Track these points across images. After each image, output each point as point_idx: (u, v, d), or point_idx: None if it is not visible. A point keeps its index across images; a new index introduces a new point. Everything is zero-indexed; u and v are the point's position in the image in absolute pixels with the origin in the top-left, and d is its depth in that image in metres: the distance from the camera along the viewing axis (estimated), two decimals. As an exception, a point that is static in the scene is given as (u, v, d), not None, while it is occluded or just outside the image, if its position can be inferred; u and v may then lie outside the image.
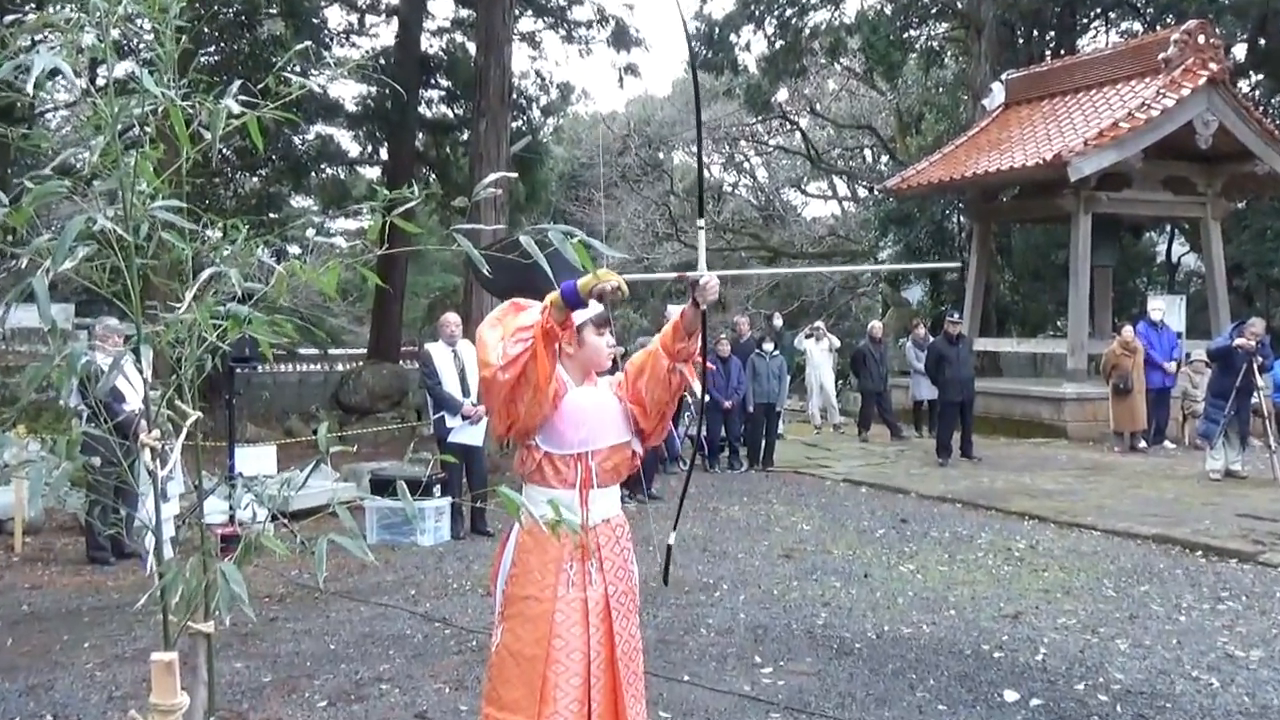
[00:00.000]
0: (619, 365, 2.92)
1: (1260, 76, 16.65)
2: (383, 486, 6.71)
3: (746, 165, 27.29)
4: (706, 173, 27.14)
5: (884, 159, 23.15)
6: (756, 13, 17.98)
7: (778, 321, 13.85)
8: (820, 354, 13.65)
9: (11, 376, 10.13)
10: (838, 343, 14.25)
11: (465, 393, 6.86)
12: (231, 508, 5.58)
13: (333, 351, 18.05)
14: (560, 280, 2.10)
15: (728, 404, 10.23)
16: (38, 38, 1.84)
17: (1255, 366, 8.52)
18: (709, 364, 2.60)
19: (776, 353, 10.81)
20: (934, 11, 18.02)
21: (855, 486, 9.19)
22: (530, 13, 16.34)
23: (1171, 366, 11.34)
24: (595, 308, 2.47)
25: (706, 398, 9.71)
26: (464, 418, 6.79)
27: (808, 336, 13.89)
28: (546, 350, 2.28)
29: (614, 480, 2.57)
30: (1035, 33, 18.54)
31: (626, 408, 2.54)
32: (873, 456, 11.25)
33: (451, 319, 7.13)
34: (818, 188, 27.04)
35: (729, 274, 3.27)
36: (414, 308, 23.20)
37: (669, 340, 2.50)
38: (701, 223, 2.71)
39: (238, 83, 1.81)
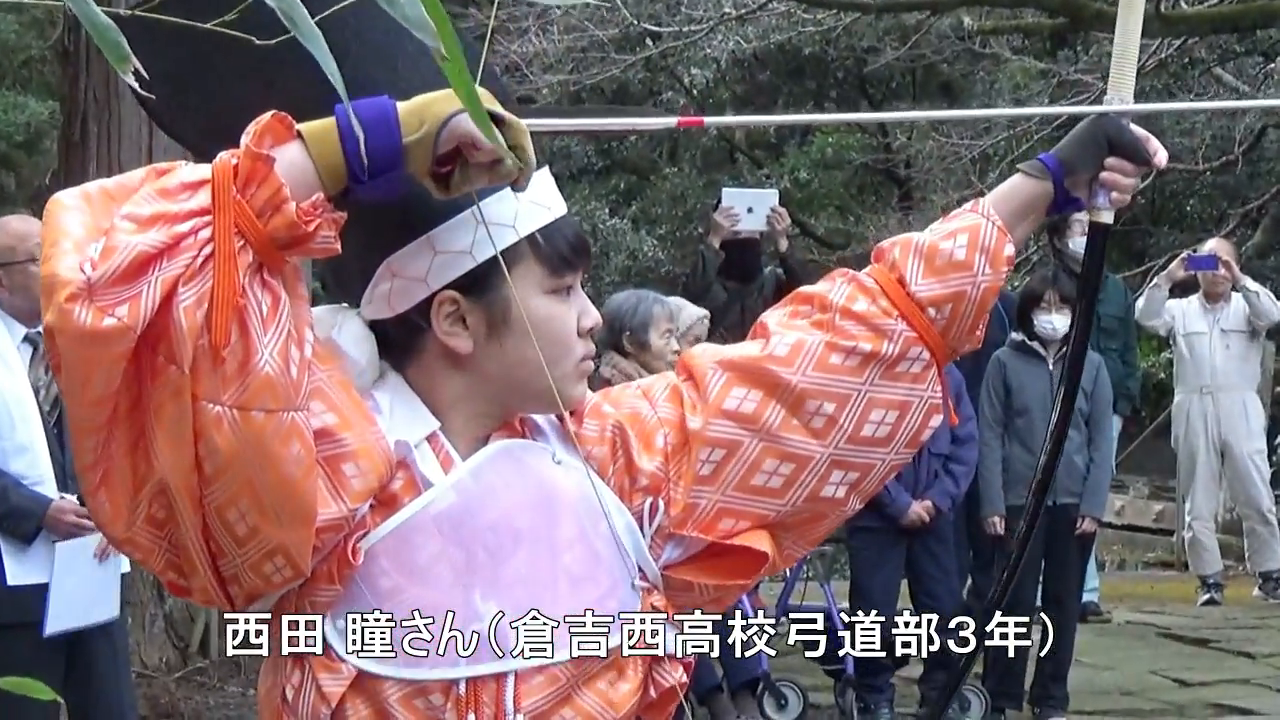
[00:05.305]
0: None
1: None
2: None
3: None
4: None
5: None
6: None
7: (1078, 241, 11.88)
8: (1220, 345, 12.61)
9: None
10: (1278, 310, 12.50)
11: (65, 481, 7.06)
12: None
13: None
14: (356, 96, 2.12)
15: (918, 511, 9.65)
16: None
17: None
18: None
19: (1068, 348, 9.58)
20: None
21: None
22: None
23: None
24: (538, 208, 2.40)
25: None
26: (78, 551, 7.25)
27: (1175, 290, 12.86)
28: (247, 264, 2.19)
29: None
30: None
31: (670, 523, 2.50)
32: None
33: (16, 230, 7.43)
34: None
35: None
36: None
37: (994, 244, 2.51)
38: None
39: None
